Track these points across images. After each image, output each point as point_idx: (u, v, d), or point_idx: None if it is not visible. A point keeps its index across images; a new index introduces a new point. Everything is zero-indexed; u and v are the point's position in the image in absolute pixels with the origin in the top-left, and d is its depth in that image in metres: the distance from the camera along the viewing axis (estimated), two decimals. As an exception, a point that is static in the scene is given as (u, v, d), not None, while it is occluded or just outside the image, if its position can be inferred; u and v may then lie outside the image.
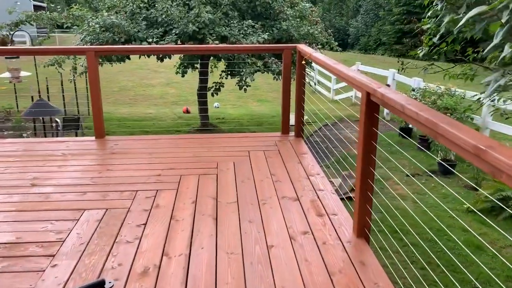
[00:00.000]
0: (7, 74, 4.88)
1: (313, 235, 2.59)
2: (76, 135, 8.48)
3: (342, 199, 3.16)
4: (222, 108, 14.12)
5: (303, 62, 3.92)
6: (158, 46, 4.76)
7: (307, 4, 9.25)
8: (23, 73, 5.01)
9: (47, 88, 8.45)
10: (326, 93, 15.39)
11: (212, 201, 3.01)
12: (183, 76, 9.00)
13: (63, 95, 8.58)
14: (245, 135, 4.62)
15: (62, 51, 4.23)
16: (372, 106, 2.28)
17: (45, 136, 7.11)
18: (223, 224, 2.71)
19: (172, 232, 2.60)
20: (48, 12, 7.83)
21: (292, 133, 4.56)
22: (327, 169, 6.03)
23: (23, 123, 8.30)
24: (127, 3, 7.56)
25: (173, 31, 7.17)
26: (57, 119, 7.40)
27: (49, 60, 7.02)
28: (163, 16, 7.27)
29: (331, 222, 2.74)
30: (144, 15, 7.43)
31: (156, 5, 7.51)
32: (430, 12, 3.34)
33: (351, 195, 5.61)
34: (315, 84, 16.39)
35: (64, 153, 3.97)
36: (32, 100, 7.89)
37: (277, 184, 3.30)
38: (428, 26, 3.37)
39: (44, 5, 34.43)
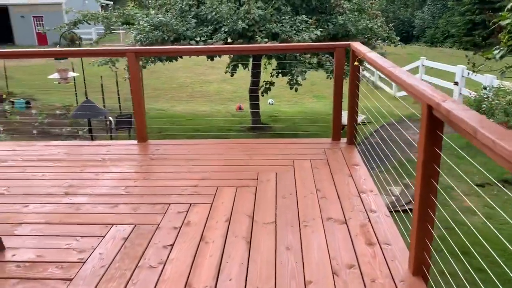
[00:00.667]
0: (56, 75, 4.91)
1: (360, 269, 2.22)
2: (129, 133, 8.56)
3: (397, 211, 2.76)
4: (277, 105, 13.81)
5: (356, 63, 3.51)
6: (199, 47, 4.55)
7: (366, -4, 8.67)
8: (71, 74, 5.03)
9: (102, 87, 8.60)
10: (387, 89, 14.56)
11: (247, 220, 2.72)
12: (232, 75, 8.79)
13: (118, 94, 8.69)
14: (291, 141, 4.28)
15: (103, 53, 4.13)
16: (434, 122, 1.87)
17: (92, 138, 7.19)
18: (257, 249, 2.41)
19: (200, 257, 2.35)
20: (103, 11, 7.91)
21: (343, 140, 4.16)
22: (381, 174, 5.54)
23: (79, 121, 8.53)
24: (177, 1, 7.44)
25: (222, 29, 6.96)
26: (110, 118, 7.46)
27: (102, 59, 7.11)
28: (213, 13, 7.08)
29: (383, 254, 2.35)
30: (193, 13, 7.28)
31: (205, 2, 7.33)
32: (511, 4, 2.80)
33: (407, 208, 5.10)
34: (375, 81, 15.60)
35: (104, 158, 3.86)
36: (80, 98, 8.05)
37: (323, 202, 2.95)
38: (508, 21, 2.83)
39: (111, 3, 35.93)
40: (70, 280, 2.17)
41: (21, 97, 11.84)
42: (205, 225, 2.68)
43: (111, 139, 7.47)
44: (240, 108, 12.38)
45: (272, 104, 13.45)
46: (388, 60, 2.90)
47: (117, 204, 2.98)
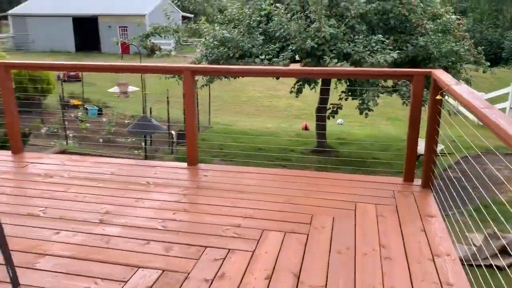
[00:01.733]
0: (116, 89, 4.83)
1: None
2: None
3: (479, 266, 2.17)
4: (346, 126, 13.13)
5: (438, 97, 2.95)
6: (257, 67, 4.22)
7: (453, 16, 7.86)
8: (131, 88, 4.92)
9: (168, 99, 8.61)
10: (471, 116, 13.31)
11: (292, 280, 2.28)
12: (297, 96, 8.37)
13: (183, 108, 8.62)
14: (355, 178, 3.76)
15: (160, 69, 3.92)
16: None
17: (146, 156, 7.10)
18: (297, 324, 1.96)
19: (227, 327, 1.94)
20: (174, 25, 7.93)
21: (417, 181, 3.58)
22: (460, 216, 4.81)
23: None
24: (245, 17, 7.21)
25: (290, 47, 6.59)
26: (172, 132, 7.36)
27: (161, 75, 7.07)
28: (281, 30, 6.75)
29: None
30: (261, 29, 7.00)
31: (274, 19, 7.02)
32: None
33: (492, 264, 4.33)
34: (456, 106, 14.38)
35: (149, 182, 3.61)
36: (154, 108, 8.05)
37: (387, 264, 2.43)
38: None
39: (191, 16, 37.23)
40: (76, 338, 1.87)
41: (95, 105, 12.32)
42: (241, 280, 2.28)
43: (172, 153, 7.39)
44: (306, 128, 11.90)
45: (342, 124, 12.81)
46: (481, 98, 2.33)
47: (149, 241, 2.67)
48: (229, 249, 2.58)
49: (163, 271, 2.37)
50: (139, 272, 2.36)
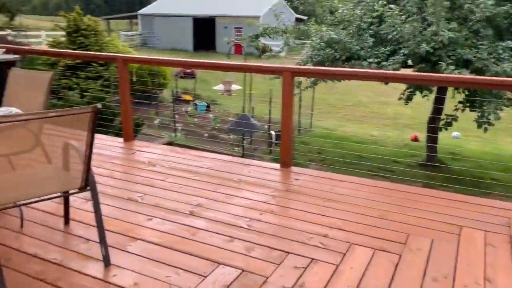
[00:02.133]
0: (220, 87, 4.97)
1: None
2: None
3: None
4: (463, 140, 12.02)
5: None
6: (362, 70, 3.99)
7: None
8: (234, 87, 5.03)
9: (270, 101, 8.69)
10: None
11: (376, 303, 2.09)
12: (406, 103, 7.84)
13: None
14: (465, 199, 3.35)
15: (259, 69, 3.92)
16: None
17: (243, 155, 7.19)
18: None
19: None
20: (284, 26, 7.96)
21: (540, 210, 3.08)
22: None
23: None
24: (355, 18, 6.93)
25: (402, 51, 6.18)
26: (272, 132, 7.40)
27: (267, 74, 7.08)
28: (394, 33, 6.36)
29: None
30: (372, 31, 6.67)
31: (387, 21, 6.64)
32: None
33: None
34: None
35: (241, 180, 3.63)
36: (259, 107, 8.17)
37: (490, 303, 2.10)
38: None
39: (305, 17, 37.32)
40: (151, 325, 1.91)
41: (205, 101, 12.94)
42: (320, 294, 2.15)
43: (270, 153, 7.43)
44: (415, 139, 11.16)
45: (458, 138, 11.76)
46: None
47: (233, 239, 2.66)
48: (312, 259, 2.46)
49: (243, 271, 2.33)
50: (220, 268, 2.36)
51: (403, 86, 8.87)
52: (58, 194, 2.58)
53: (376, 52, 6.43)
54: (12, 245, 2.53)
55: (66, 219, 2.82)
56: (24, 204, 2.43)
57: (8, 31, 25.46)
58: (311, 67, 4.16)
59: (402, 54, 6.20)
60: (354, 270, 2.35)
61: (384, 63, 6.19)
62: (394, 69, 5.94)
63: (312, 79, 7.91)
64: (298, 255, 2.50)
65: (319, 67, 5.19)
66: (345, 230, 2.79)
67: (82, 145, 2.25)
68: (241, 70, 4.00)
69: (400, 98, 7.79)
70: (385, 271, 2.35)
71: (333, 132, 10.83)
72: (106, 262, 2.36)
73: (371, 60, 6.23)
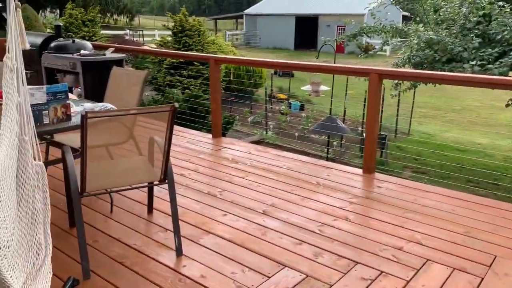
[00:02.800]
0: (308, 87, 4.95)
1: None
2: (381, 156, 8.10)
3: None
4: None
5: None
6: (453, 74, 3.61)
7: None
8: (322, 88, 4.97)
9: (365, 104, 8.38)
10: None
11: (445, 327, 1.93)
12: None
13: (381, 112, 8.31)
14: None
15: (345, 71, 3.81)
16: None
17: (327, 157, 7.03)
18: None
19: None
20: (381, 25, 7.64)
21: None
22: None
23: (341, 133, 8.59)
24: (460, 17, 6.37)
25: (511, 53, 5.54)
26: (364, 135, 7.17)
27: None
28: (505, 33, 5.72)
29: None
30: (480, 31, 6.07)
31: (497, 18, 5.98)
32: None
33: None
34: None
35: (319, 183, 3.59)
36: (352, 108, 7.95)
37: None
38: None
39: (412, 16, 35.38)
40: (210, 318, 1.99)
41: (299, 100, 12.97)
42: (384, 310, 2.05)
43: (361, 157, 7.20)
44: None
45: None
46: None
47: (302, 243, 2.65)
48: (382, 272, 2.35)
49: (307, 276, 2.31)
50: (284, 271, 2.36)
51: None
52: (145, 184, 2.79)
53: (482, 54, 5.86)
54: (100, 228, 2.80)
55: (150, 208, 3.04)
56: (117, 191, 2.67)
57: (127, 31, 28.04)
58: (400, 70, 3.93)
59: (512, 56, 5.56)
60: (426, 289, 2.20)
61: (489, 66, 5.61)
62: (501, 73, 5.36)
63: (410, 82, 7.50)
64: (367, 266, 2.40)
65: (408, 70, 4.89)
66: (422, 245, 2.62)
67: (163, 140, 2.41)
68: (327, 71, 3.94)
69: (507, 105, 7.04)
70: (461, 294, 2.16)
71: (433, 138, 10.13)
72: (178, 252, 2.50)
73: (474, 62, 5.69)
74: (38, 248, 1.54)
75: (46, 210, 1.61)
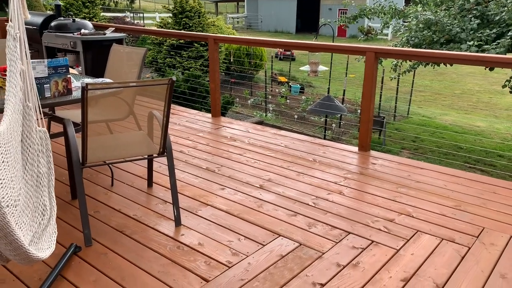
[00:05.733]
0: (307, 67, 4.99)
1: None
2: (379, 135, 8.16)
3: None
4: None
5: None
6: (451, 53, 3.64)
7: None
8: (320, 68, 5.01)
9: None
10: None
11: (431, 291, 2.02)
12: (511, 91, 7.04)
13: (380, 94, 8.35)
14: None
15: (342, 49, 3.85)
16: None
17: (324, 136, 7.08)
18: None
19: (342, 316, 1.87)
20: (380, 6, 7.61)
21: None
22: None
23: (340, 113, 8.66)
24: (459, -3, 6.35)
25: (510, 34, 5.54)
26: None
27: (360, 57, 6.84)
28: (503, 14, 5.72)
29: None
30: (477, 12, 6.06)
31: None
32: None
33: None
34: None
35: (315, 160, 3.67)
36: (353, 91, 7.97)
37: None
38: None
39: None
40: (207, 281, 2.08)
41: (299, 83, 12.98)
42: (374, 275, 2.14)
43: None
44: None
45: None
46: None
47: (296, 214, 2.74)
48: (373, 241, 2.44)
49: (300, 244, 2.41)
50: (278, 239, 2.45)
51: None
52: (144, 157, 2.86)
53: (480, 35, 5.86)
54: (101, 200, 2.89)
55: (150, 182, 3.13)
56: (117, 163, 2.75)
57: (127, 13, 27.84)
58: (396, 48, 3.94)
59: (509, 38, 5.56)
60: (414, 257, 2.29)
61: (486, 46, 5.62)
62: (497, 53, 5.38)
63: (411, 63, 7.52)
64: (359, 236, 2.50)
65: (404, 49, 4.88)
66: (413, 217, 2.70)
67: (161, 114, 2.47)
68: (324, 50, 3.97)
69: (504, 86, 7.07)
70: (448, 261, 2.25)
71: (431, 120, 10.19)
72: (177, 222, 2.59)
73: (471, 43, 5.69)
74: (43, 209, 1.62)
75: (50, 174, 1.69)
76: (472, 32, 5.93)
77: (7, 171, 1.39)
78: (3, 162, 1.34)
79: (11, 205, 1.40)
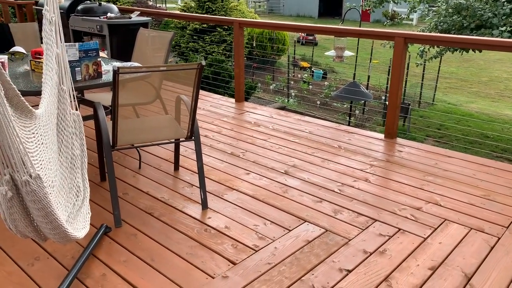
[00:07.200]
0: (332, 52, 4.93)
1: None
2: (404, 122, 8.04)
3: None
4: None
5: None
6: (486, 39, 3.51)
7: None
8: (346, 53, 4.94)
9: (389, 70, 8.27)
10: None
11: (460, 279, 2.01)
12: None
13: (405, 80, 8.18)
14: None
15: (370, 34, 3.78)
16: None
17: (349, 123, 7.00)
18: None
19: (369, 302, 1.87)
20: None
21: None
22: None
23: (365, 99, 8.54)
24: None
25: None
26: (387, 103, 7.11)
27: (386, 42, 6.73)
28: (539, -4, 5.49)
29: None
30: (512, -4, 5.84)
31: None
32: None
33: None
34: None
35: (340, 146, 3.64)
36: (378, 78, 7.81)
37: None
38: None
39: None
40: (234, 264, 2.11)
41: (322, 68, 12.84)
42: (401, 262, 2.13)
43: (383, 125, 7.18)
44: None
45: None
46: None
47: (322, 201, 2.73)
48: (400, 229, 2.42)
49: (326, 230, 2.41)
50: (304, 225, 2.46)
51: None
52: (172, 140, 2.90)
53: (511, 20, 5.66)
54: (130, 182, 2.94)
55: (176, 165, 3.16)
56: (146, 146, 2.77)
57: (149, -3, 27.86)
58: (426, 34, 3.83)
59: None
60: (442, 245, 2.27)
61: (519, 31, 5.44)
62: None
63: (438, 49, 7.35)
64: (385, 223, 2.48)
65: (434, 34, 4.73)
66: (441, 206, 2.67)
67: (189, 99, 2.49)
68: (352, 35, 3.91)
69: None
70: (477, 251, 2.22)
71: (458, 108, 9.97)
72: (204, 205, 2.62)
73: (503, 29, 5.50)
74: (77, 191, 1.66)
75: (83, 157, 1.72)
76: (504, 17, 5.72)
77: (45, 153, 1.43)
78: (42, 143, 1.38)
79: (49, 185, 1.44)
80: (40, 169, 1.32)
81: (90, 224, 2.40)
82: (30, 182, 1.19)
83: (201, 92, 5.41)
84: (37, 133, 1.33)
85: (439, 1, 6.47)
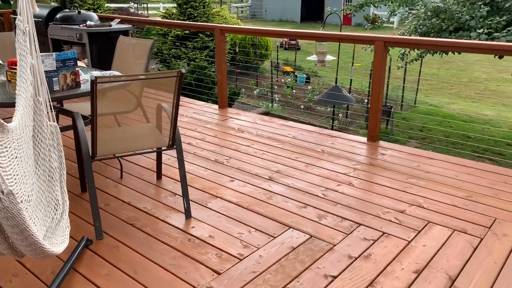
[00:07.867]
0: (314, 57, 4.95)
1: None
2: (387, 125, 8.11)
3: None
4: None
5: None
6: (457, 41, 3.54)
7: None
8: (328, 58, 4.96)
9: (371, 73, 8.36)
10: None
11: (444, 282, 2.01)
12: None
13: (387, 83, 8.28)
14: None
15: (351, 39, 3.80)
16: None
17: (332, 127, 7.05)
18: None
19: (355, 308, 1.86)
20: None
21: None
22: None
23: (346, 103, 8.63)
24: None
25: (521, 21, 5.46)
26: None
27: (368, 46, 6.78)
28: (514, 0, 5.62)
29: None
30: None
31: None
32: None
33: None
34: None
35: (324, 150, 3.65)
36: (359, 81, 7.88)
37: None
38: None
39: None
40: (219, 274, 2.08)
41: (305, 73, 12.90)
42: (386, 266, 2.13)
43: (366, 128, 7.24)
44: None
45: None
46: None
47: (306, 206, 2.73)
48: (384, 233, 2.43)
49: (311, 236, 2.40)
50: (289, 231, 2.45)
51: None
52: (154, 149, 2.86)
53: (490, 23, 5.77)
54: (111, 193, 2.89)
55: (159, 174, 3.13)
56: (127, 155, 2.74)
57: (131, 4, 27.72)
58: (405, 37, 3.87)
59: (520, 25, 5.47)
60: (426, 248, 2.28)
61: (496, 34, 5.54)
62: (508, 41, 5.31)
63: (419, 51, 7.45)
64: (370, 227, 2.48)
65: (413, 37, 4.82)
66: (424, 208, 2.69)
67: (169, 106, 2.46)
68: (332, 39, 3.93)
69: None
70: (461, 253, 2.24)
71: (438, 109, 10.10)
72: (187, 215, 2.59)
73: (481, 31, 5.61)
74: (56, 204, 1.62)
75: (62, 169, 1.68)
76: (481, 19, 5.84)
77: (20, 167, 1.39)
78: (16, 157, 1.34)
79: (25, 200, 1.40)
80: (13, 184, 1.28)
81: (71, 237, 2.35)
82: (2, 198, 1.16)
83: (184, 99, 5.38)
84: (10, 147, 1.30)
85: (418, 5, 6.57)
